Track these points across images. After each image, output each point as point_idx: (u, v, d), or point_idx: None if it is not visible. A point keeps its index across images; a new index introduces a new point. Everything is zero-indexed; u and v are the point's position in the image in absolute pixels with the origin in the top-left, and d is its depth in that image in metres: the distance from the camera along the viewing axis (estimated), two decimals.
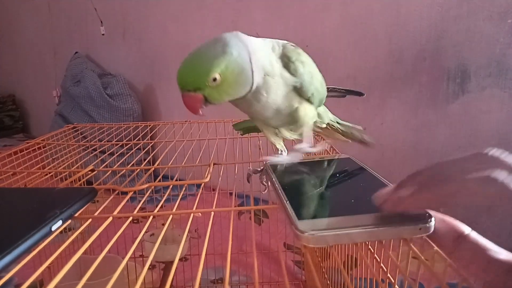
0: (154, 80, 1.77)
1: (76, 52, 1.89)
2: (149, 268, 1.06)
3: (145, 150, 0.73)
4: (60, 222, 0.35)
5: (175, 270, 0.32)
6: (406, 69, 1.18)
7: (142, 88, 1.82)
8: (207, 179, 0.48)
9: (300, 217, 0.32)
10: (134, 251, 0.86)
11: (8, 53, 2.34)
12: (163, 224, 0.39)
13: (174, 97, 1.72)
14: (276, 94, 0.46)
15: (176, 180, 0.53)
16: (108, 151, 0.75)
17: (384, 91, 1.23)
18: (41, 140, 0.73)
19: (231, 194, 0.52)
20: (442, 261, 0.29)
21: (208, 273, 1.07)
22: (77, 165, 0.66)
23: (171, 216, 0.40)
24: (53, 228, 0.34)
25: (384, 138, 1.26)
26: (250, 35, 0.44)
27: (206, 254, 0.90)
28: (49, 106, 2.06)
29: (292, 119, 0.49)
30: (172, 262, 0.90)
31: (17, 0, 2.14)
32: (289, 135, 0.52)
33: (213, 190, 0.49)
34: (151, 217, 0.41)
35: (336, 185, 0.42)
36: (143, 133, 0.85)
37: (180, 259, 1.01)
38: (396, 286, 0.33)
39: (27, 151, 0.68)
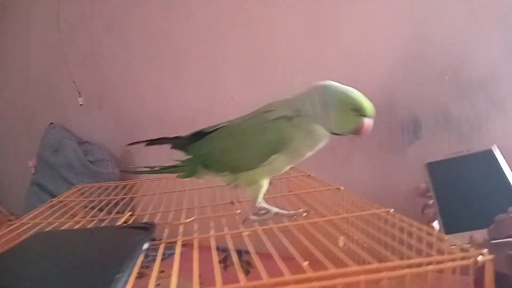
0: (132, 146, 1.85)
1: (51, 123, 1.95)
2: None
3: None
4: (147, 244, 0.44)
5: None
6: None
7: (119, 154, 1.89)
8: (238, 211, 0.59)
9: None
10: None
11: None
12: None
13: (153, 159, 1.81)
14: None
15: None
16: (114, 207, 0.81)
17: (350, 142, 1.40)
18: (64, 198, 0.80)
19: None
20: None
21: None
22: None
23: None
24: (144, 247, 0.43)
25: (354, 184, 1.40)
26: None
27: None
28: (21, 177, 2.06)
29: None
30: None
31: None
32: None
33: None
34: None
35: None
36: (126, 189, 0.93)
37: None
38: None
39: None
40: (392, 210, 0.54)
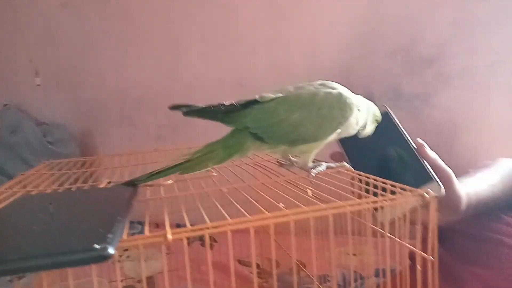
0: (92, 125, 1.84)
1: (6, 104, 1.88)
2: None
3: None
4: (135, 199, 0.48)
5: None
6: None
7: (79, 134, 1.86)
8: (215, 174, 0.63)
9: None
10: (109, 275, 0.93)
11: None
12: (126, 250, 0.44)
13: (115, 138, 1.80)
14: None
15: None
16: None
17: None
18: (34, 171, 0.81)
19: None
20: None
21: None
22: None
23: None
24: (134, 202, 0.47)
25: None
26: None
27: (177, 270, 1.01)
28: None
29: None
30: (151, 277, 0.99)
31: None
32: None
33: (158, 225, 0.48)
34: None
35: None
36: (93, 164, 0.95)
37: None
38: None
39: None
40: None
